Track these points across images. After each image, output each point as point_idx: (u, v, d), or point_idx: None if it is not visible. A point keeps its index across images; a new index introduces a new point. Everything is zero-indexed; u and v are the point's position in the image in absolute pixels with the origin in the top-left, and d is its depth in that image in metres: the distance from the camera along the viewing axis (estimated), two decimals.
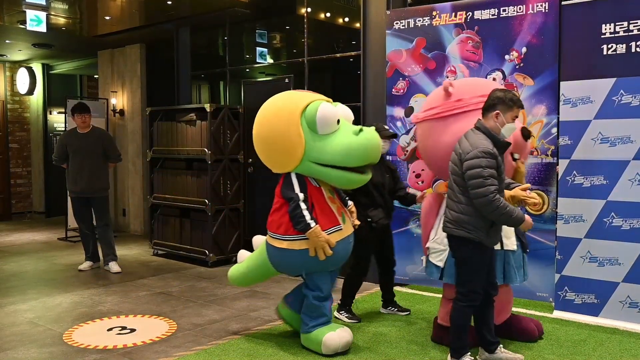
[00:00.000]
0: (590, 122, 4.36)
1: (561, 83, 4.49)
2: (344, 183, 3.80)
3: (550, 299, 4.64)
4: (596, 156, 4.33)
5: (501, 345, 3.57)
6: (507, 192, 3.38)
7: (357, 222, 4.00)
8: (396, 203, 4.64)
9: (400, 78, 5.28)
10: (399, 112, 5.27)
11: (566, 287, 4.52)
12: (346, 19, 6.52)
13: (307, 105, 3.71)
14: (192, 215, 6.85)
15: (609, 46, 4.30)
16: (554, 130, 4.54)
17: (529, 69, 4.63)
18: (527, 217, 3.27)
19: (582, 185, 4.39)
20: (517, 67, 4.68)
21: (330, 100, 3.92)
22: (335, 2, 6.45)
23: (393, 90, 5.32)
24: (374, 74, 5.61)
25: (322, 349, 3.73)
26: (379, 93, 5.47)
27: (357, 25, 5.87)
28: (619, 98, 4.24)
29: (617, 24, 4.27)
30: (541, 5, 4.58)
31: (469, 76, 4.87)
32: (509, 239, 3.67)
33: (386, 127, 4.41)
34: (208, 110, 6.47)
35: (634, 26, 4.20)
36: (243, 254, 4.35)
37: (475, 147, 3.24)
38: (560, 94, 4.49)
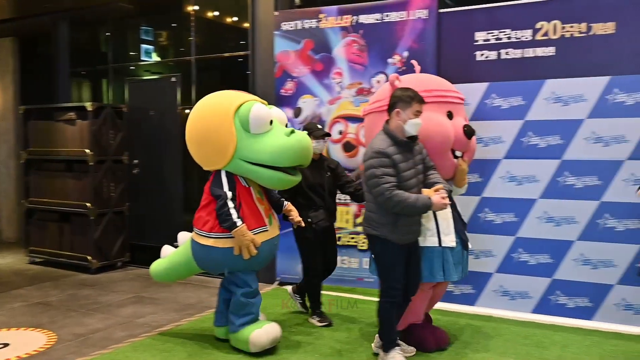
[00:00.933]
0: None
1: None
2: (274, 183, 3.77)
3: None
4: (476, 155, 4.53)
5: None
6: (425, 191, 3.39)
7: (298, 220, 3.99)
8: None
9: (289, 79, 5.25)
10: (287, 112, 5.22)
11: None
12: (235, 19, 6.37)
13: (242, 105, 3.71)
14: (73, 220, 6.39)
15: (482, 53, 4.53)
16: None
17: (411, 72, 4.74)
18: (434, 198, 3.23)
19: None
20: (399, 70, 4.79)
21: (266, 102, 3.90)
22: (222, 1, 6.28)
23: (282, 90, 5.27)
24: (262, 74, 5.53)
25: (250, 347, 3.64)
26: (268, 93, 5.39)
27: (246, 25, 5.75)
28: (491, 101, 4.48)
29: (488, 32, 4.52)
30: (422, 12, 4.73)
31: (353, 79, 4.95)
32: (448, 235, 3.65)
33: (319, 126, 4.31)
34: (89, 109, 6.08)
35: (503, 35, 4.46)
36: (167, 249, 4.18)
37: (371, 149, 3.31)
38: None
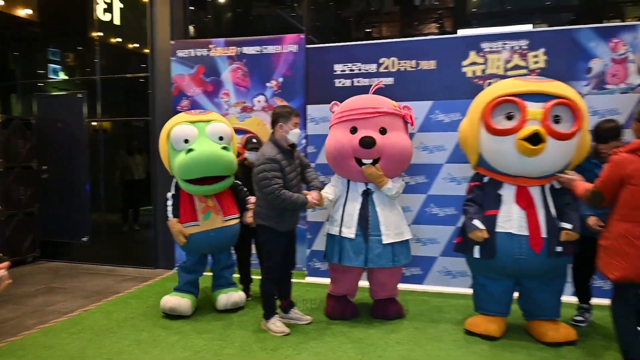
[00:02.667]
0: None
1: (307, 106, 4.91)
2: (191, 192, 3.85)
3: (304, 268, 5.05)
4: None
5: (295, 307, 3.87)
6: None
7: (249, 219, 3.96)
8: None
9: (184, 97, 5.24)
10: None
11: (314, 259, 4.97)
12: (136, 45, 6.20)
13: (174, 126, 3.84)
14: None
15: (339, 80, 4.84)
16: (304, 141, 4.94)
17: (285, 94, 4.98)
18: (309, 198, 3.54)
19: (323, 183, 4.84)
20: (275, 92, 4.99)
21: (222, 119, 3.98)
22: (125, 28, 6.09)
23: (178, 107, 5.24)
24: (161, 93, 5.46)
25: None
26: (167, 109, 5.34)
27: (146, 50, 5.65)
28: None
29: (344, 64, 4.83)
30: (293, 47, 4.96)
31: (238, 99, 5.08)
32: (348, 228, 3.72)
33: (254, 140, 4.28)
34: None
35: (355, 67, 4.79)
36: None
37: (263, 156, 3.47)
38: (307, 115, 4.91)
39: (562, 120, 3.20)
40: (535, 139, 3.11)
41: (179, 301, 3.93)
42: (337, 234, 3.76)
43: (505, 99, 3.25)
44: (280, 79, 4.99)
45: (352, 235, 3.70)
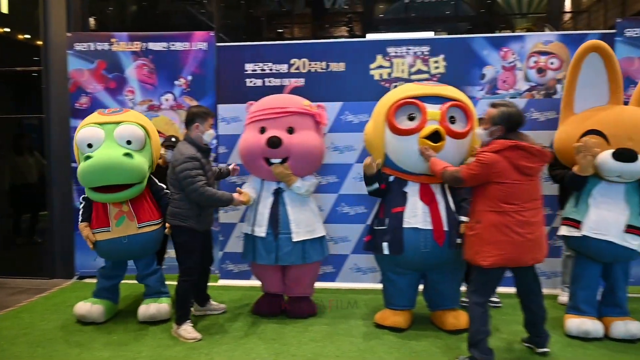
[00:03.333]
0: (240, 135, 4.75)
1: (218, 105, 4.81)
2: (95, 200, 3.68)
3: (216, 271, 4.94)
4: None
5: (211, 299, 3.97)
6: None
7: (166, 229, 3.73)
8: None
9: (83, 94, 4.90)
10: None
11: (227, 261, 4.88)
12: (27, 36, 5.69)
13: (80, 129, 3.65)
14: None
15: (250, 80, 4.79)
16: (215, 141, 4.82)
17: (194, 93, 4.84)
18: (235, 195, 3.56)
19: (235, 183, 4.79)
20: (184, 91, 4.83)
21: (130, 119, 3.73)
22: (15, 17, 5.57)
23: (77, 104, 4.89)
24: (57, 89, 5.05)
25: None
26: (63, 106, 4.96)
27: (39, 42, 5.20)
28: None
29: (255, 64, 4.79)
30: (202, 44, 4.83)
31: (144, 97, 4.85)
32: (260, 227, 3.76)
33: (173, 139, 4.14)
34: None
35: (266, 67, 4.78)
36: None
37: (182, 154, 3.39)
38: (218, 114, 4.80)
39: (456, 121, 3.46)
40: (435, 137, 3.34)
41: (90, 308, 3.74)
42: (250, 232, 3.82)
43: (407, 101, 3.46)
44: (190, 77, 4.84)
45: (263, 234, 3.75)
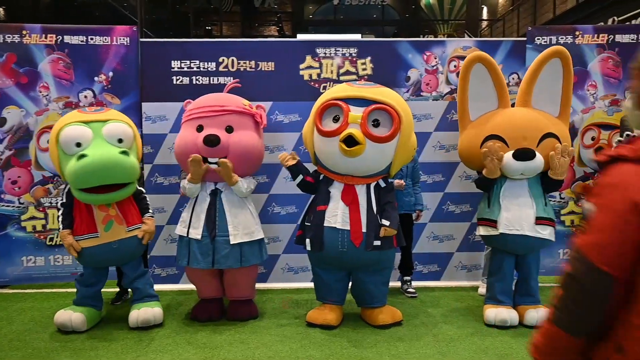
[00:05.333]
0: (166, 135, 4.61)
1: (143, 104, 4.60)
2: (87, 202, 3.47)
3: None
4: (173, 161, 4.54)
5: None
6: None
7: (140, 233, 3.64)
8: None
9: None
10: None
11: (154, 265, 4.69)
12: None
13: (63, 127, 3.42)
14: None
15: (177, 78, 4.64)
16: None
17: (116, 90, 4.58)
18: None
19: (162, 184, 4.63)
20: (105, 88, 4.57)
21: (117, 118, 3.61)
22: None
23: None
24: None
25: None
26: None
27: None
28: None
29: (182, 62, 4.64)
30: (124, 40, 4.59)
31: (60, 93, 4.54)
32: (196, 229, 3.64)
33: None
34: None
35: (193, 65, 4.64)
36: None
37: None
38: (143, 113, 4.60)
39: (381, 124, 3.47)
40: (349, 141, 3.35)
41: (69, 316, 3.50)
42: (185, 234, 3.67)
43: (332, 103, 3.49)
44: (111, 74, 4.57)
45: (199, 237, 3.62)
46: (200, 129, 3.65)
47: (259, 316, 3.87)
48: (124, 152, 3.42)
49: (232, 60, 4.65)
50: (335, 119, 3.48)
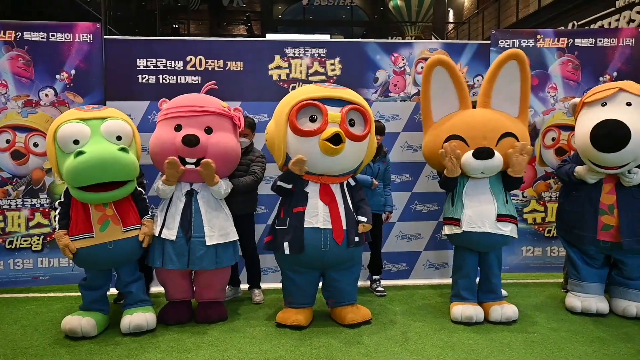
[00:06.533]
0: None
1: (107, 102, 4.48)
2: (85, 201, 3.39)
3: None
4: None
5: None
6: None
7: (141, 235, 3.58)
8: None
9: None
10: None
11: None
12: None
13: (60, 125, 3.36)
14: None
15: (143, 76, 4.55)
16: None
17: (79, 88, 4.46)
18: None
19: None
20: (67, 86, 4.44)
21: (115, 115, 3.53)
22: None
23: None
24: None
25: None
26: None
27: None
28: (152, 117, 4.52)
29: (148, 60, 4.56)
30: (87, 36, 4.47)
31: (20, 91, 4.38)
32: (170, 230, 3.59)
33: None
34: None
35: (160, 63, 4.56)
36: None
37: None
38: None
39: (355, 124, 3.56)
40: (336, 139, 3.40)
41: (79, 321, 3.41)
42: (159, 235, 3.61)
43: (309, 103, 3.48)
44: (73, 71, 4.45)
45: (173, 237, 3.58)
46: (178, 128, 3.60)
47: (227, 318, 3.83)
48: (122, 149, 3.34)
49: (200, 59, 4.60)
50: (312, 119, 3.47)
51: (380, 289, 4.48)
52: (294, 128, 3.48)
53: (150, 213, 3.70)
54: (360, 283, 3.93)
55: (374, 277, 4.57)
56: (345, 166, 3.61)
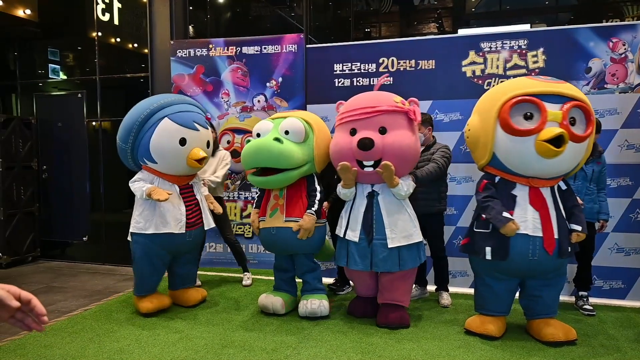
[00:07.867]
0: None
1: (308, 106, 4.90)
2: (253, 183, 3.85)
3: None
4: None
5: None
6: None
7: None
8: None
9: None
10: None
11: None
12: (135, 45, 6.19)
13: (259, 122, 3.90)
14: None
15: (339, 80, 4.83)
16: None
17: (284, 94, 4.97)
18: None
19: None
20: (275, 92, 4.98)
21: (295, 115, 3.84)
22: (125, 28, 6.07)
23: None
24: (161, 93, 5.42)
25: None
26: None
27: (145, 50, 5.63)
28: None
29: (344, 64, 4.82)
30: (292, 47, 4.95)
31: (238, 99, 5.07)
32: (353, 231, 3.63)
33: None
34: None
35: (355, 67, 4.79)
36: None
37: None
38: None
39: (576, 123, 3.11)
40: (559, 141, 3.01)
41: (269, 300, 3.94)
42: (343, 236, 3.69)
43: (524, 99, 3.11)
44: (280, 79, 4.97)
45: (356, 239, 3.60)
46: (353, 132, 3.54)
47: (409, 325, 3.68)
48: (277, 139, 3.57)
49: (392, 60, 4.68)
50: (527, 117, 3.12)
51: (588, 307, 3.96)
52: (507, 126, 3.12)
53: (313, 209, 3.72)
54: (563, 298, 3.51)
55: (581, 293, 4.05)
56: (561, 169, 3.19)
